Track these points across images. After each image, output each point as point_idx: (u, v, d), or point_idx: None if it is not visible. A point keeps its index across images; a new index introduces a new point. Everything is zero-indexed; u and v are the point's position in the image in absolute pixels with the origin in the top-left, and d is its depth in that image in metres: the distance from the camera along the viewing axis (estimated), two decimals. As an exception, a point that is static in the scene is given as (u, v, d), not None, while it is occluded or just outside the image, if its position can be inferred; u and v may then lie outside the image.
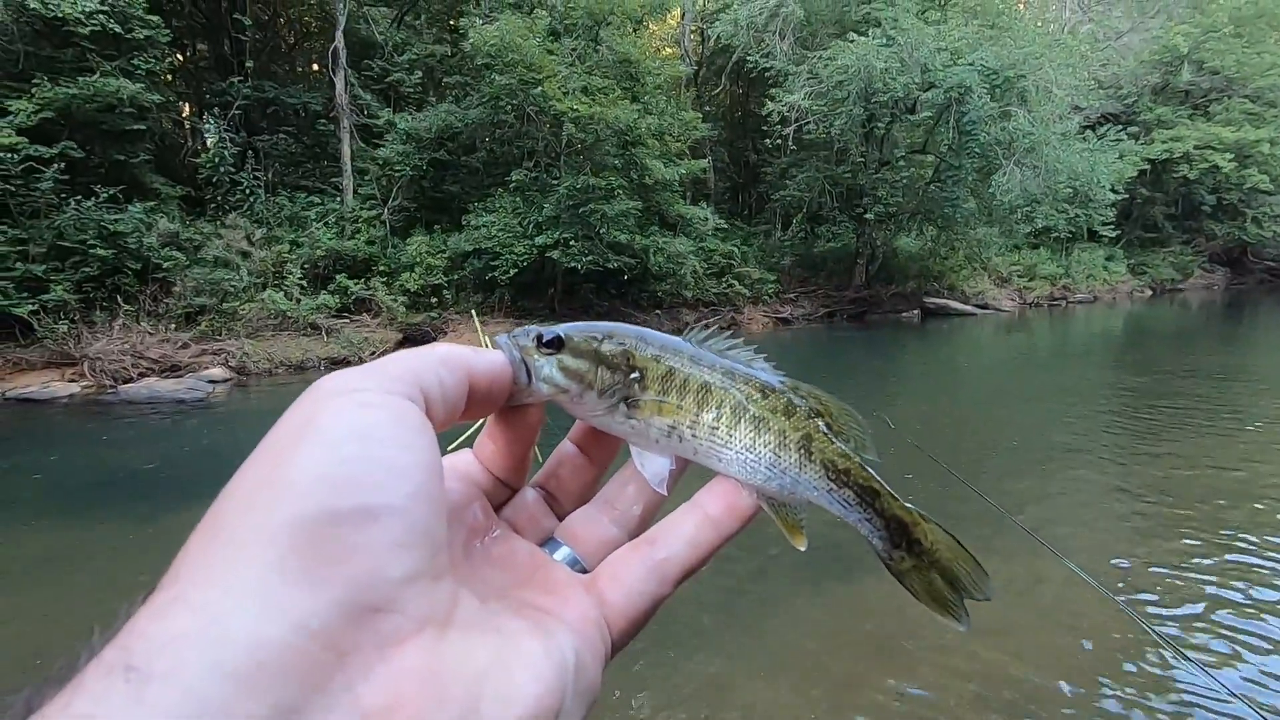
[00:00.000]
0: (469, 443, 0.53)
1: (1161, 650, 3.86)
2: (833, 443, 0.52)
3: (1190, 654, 3.73)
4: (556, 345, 0.51)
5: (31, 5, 12.01)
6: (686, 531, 0.50)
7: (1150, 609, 4.34)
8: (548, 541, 0.51)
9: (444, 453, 0.47)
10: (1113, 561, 5.00)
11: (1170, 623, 4.20)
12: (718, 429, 0.51)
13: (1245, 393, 10.57)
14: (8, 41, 12.62)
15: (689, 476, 0.54)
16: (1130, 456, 7.51)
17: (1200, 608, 4.34)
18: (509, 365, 0.48)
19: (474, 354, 0.46)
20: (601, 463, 0.55)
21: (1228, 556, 5.00)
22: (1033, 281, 26.31)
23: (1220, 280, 32.80)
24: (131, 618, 0.29)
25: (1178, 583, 4.65)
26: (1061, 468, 7.19)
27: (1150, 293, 29.78)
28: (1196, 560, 4.96)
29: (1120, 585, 4.62)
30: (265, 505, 0.32)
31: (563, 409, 0.53)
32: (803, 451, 0.51)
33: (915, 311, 22.17)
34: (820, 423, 0.52)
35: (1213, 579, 4.67)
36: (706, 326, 0.55)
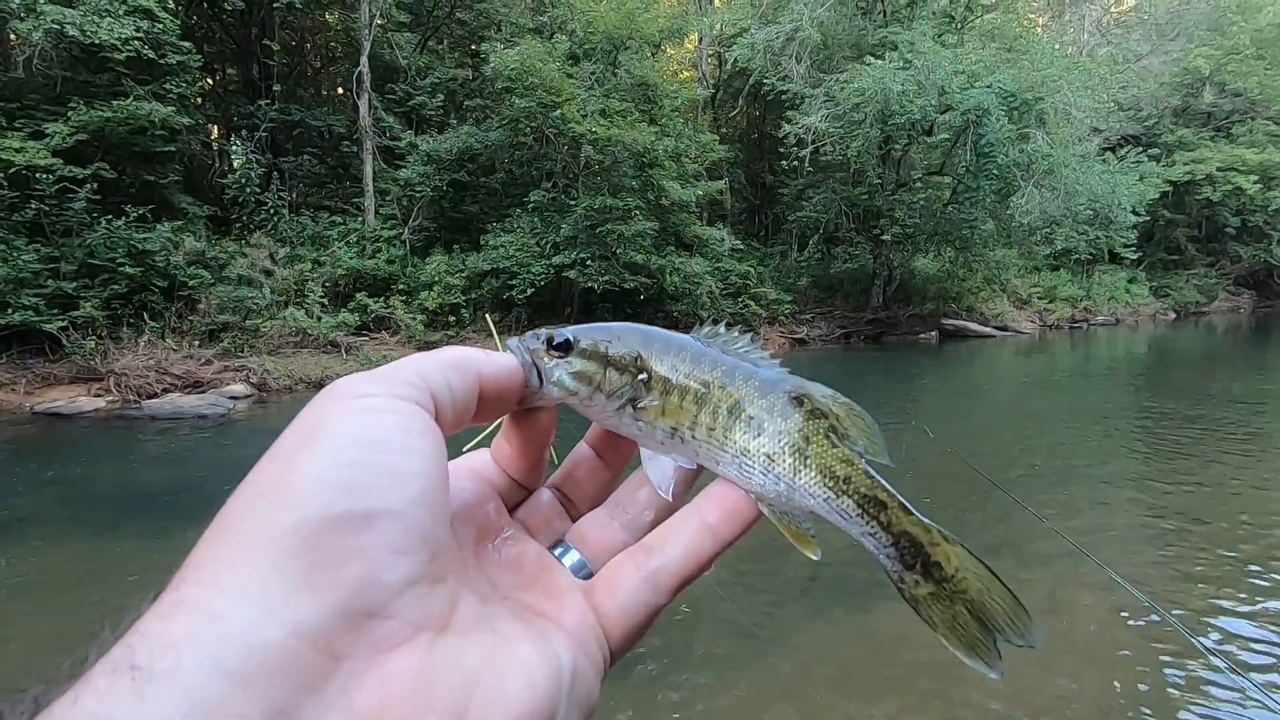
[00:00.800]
0: (486, 443, 0.54)
1: (1210, 663, 3.75)
2: (833, 446, 0.49)
3: (1233, 669, 3.63)
4: (565, 348, 0.51)
5: (70, 32, 12.43)
6: (683, 539, 0.48)
7: (1189, 625, 4.23)
8: (558, 544, 0.51)
9: (460, 453, 0.50)
10: (1147, 586, 4.88)
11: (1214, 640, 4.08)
12: (714, 430, 0.50)
13: (1276, 417, 10.34)
14: (46, 67, 13.05)
15: (704, 481, 0.54)
16: (1157, 481, 7.36)
17: (1239, 625, 4.23)
18: (519, 368, 0.49)
19: (485, 357, 0.46)
20: (617, 466, 0.55)
21: (1259, 581, 4.86)
22: (1053, 303, 26.03)
23: (1246, 303, 32.24)
24: (140, 617, 0.30)
25: (1216, 603, 4.53)
26: (1087, 493, 7.06)
27: (1174, 315, 29.33)
28: (1230, 583, 4.83)
29: (1158, 608, 4.51)
30: (268, 509, 0.33)
31: (575, 410, 0.53)
32: (798, 455, 0.49)
33: (933, 333, 21.99)
34: (821, 424, 0.50)
35: (1245, 601, 4.54)
36: (715, 322, 0.54)
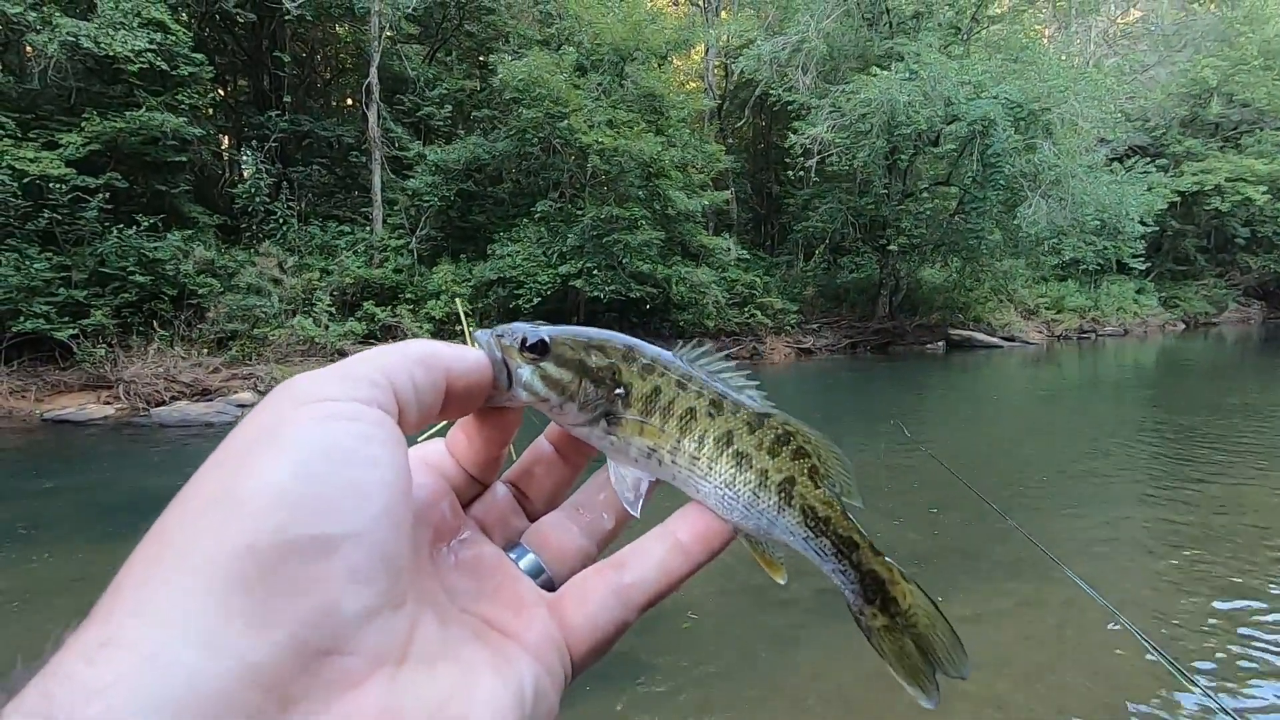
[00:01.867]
0: (442, 433, 0.51)
1: (1194, 693, 3.71)
2: (816, 487, 0.49)
3: (1225, 698, 3.58)
4: (540, 350, 0.48)
5: (85, 44, 12.60)
6: (656, 557, 0.47)
7: (1190, 657, 4.18)
8: (514, 546, 0.48)
9: (414, 442, 0.47)
10: (1148, 604, 4.83)
11: (1208, 675, 4.03)
12: (699, 459, 0.49)
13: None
14: (61, 79, 13.24)
15: (666, 496, 0.53)
16: (1164, 497, 7.29)
17: (1238, 650, 4.17)
18: (489, 367, 0.46)
19: (453, 354, 0.43)
20: (577, 465, 0.52)
21: (1264, 602, 4.80)
22: (1060, 314, 25.92)
23: (1256, 314, 32.03)
24: (61, 650, 0.27)
25: (1217, 628, 4.48)
26: (1093, 507, 7.00)
27: (1183, 326, 29.16)
28: (1234, 603, 4.77)
29: (1159, 631, 4.46)
30: (215, 527, 0.29)
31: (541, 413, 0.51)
32: (783, 495, 0.49)
33: (940, 343, 21.92)
34: (805, 464, 0.49)
35: (1252, 625, 4.49)
36: (699, 344, 0.52)
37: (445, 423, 0.47)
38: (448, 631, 0.38)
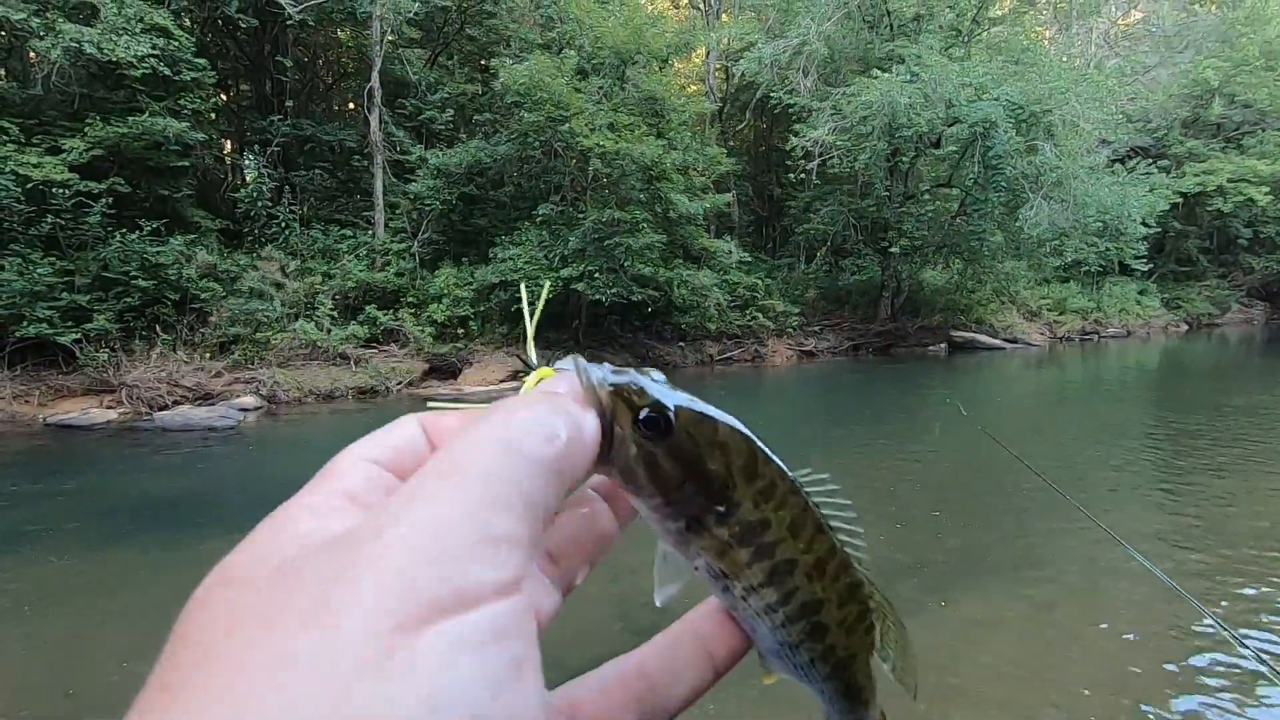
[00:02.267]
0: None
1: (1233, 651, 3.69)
2: (867, 666, 0.45)
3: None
4: (660, 433, 0.36)
5: (88, 50, 12.65)
6: (688, 677, 0.40)
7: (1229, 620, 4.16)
8: None
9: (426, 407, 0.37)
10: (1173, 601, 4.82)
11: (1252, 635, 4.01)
12: (774, 613, 0.41)
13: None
14: (64, 84, 13.28)
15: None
16: (1175, 498, 7.27)
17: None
18: (596, 437, 0.34)
19: (579, 434, 0.32)
20: (624, 519, 0.41)
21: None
22: (1063, 315, 25.89)
23: (1259, 315, 31.97)
24: None
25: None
26: (1101, 509, 6.98)
27: (1186, 327, 29.11)
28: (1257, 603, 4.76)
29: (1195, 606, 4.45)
30: None
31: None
32: (837, 666, 0.44)
33: (942, 345, 21.90)
34: (870, 638, 0.45)
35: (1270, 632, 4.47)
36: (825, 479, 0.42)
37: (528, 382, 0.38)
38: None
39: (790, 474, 0.40)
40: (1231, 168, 26.84)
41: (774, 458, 0.39)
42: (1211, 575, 5.24)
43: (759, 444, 0.39)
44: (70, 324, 12.48)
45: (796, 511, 0.40)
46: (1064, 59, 22.20)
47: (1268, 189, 26.43)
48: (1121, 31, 33.88)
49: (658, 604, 0.42)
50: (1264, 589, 4.97)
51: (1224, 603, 4.80)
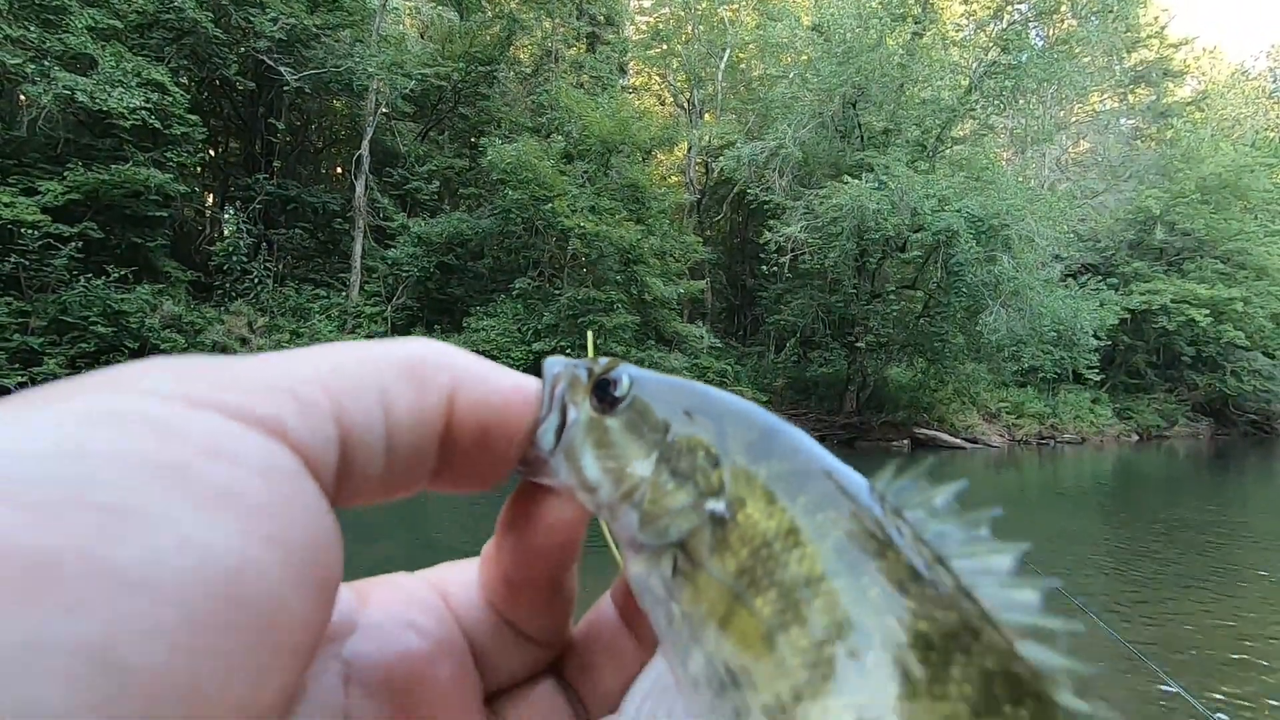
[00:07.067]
0: None
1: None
2: None
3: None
4: (614, 395, 0.28)
5: (80, 99, 12.77)
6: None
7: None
8: None
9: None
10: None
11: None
12: None
13: (1243, 549, 10.40)
14: (50, 128, 13.32)
15: None
16: (1125, 610, 7.27)
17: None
18: (533, 400, 0.27)
19: (473, 367, 0.26)
20: (653, 641, 0.28)
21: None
22: (1021, 419, 26.55)
23: (1205, 430, 33.16)
24: None
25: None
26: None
27: (1137, 438, 29.99)
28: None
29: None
30: None
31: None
32: None
33: (905, 441, 22.17)
34: None
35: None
36: (930, 478, 0.27)
37: None
38: None
39: (835, 462, 0.26)
40: (1174, 289, 28.47)
41: (801, 434, 0.27)
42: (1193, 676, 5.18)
43: (775, 418, 0.28)
44: (17, 366, 12.00)
45: (858, 507, 0.24)
46: (1020, 179, 23.73)
47: (1207, 311, 28.00)
48: (1072, 158, 36.53)
49: None
50: (1228, 707, 4.92)
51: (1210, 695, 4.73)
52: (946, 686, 0.21)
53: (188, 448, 0.18)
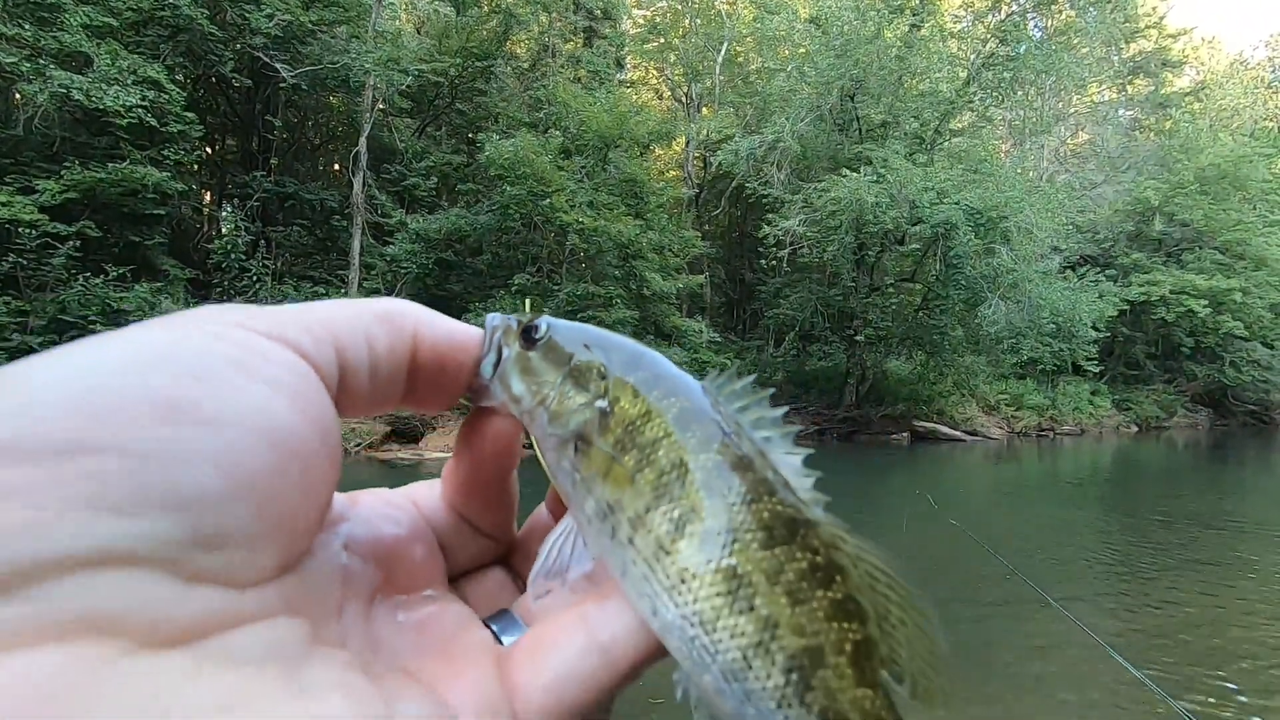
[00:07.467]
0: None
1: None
2: (860, 681, 0.29)
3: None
4: (532, 338, 0.38)
5: (76, 97, 12.74)
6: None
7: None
8: (501, 614, 0.36)
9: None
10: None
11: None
12: (667, 554, 0.31)
13: (1243, 541, 10.44)
14: (46, 127, 13.29)
15: None
16: (1120, 603, 7.30)
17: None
18: (476, 342, 0.37)
19: (429, 318, 0.35)
20: None
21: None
22: (1020, 411, 26.58)
23: (1204, 420, 33.20)
24: None
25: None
26: (1046, 614, 6.96)
27: (1136, 429, 30.04)
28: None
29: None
30: None
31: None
32: (796, 677, 0.29)
33: (905, 434, 22.20)
34: (854, 631, 0.29)
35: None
36: (740, 376, 0.37)
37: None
38: (323, 654, 0.27)
39: (688, 377, 0.37)
40: (1173, 280, 28.47)
41: (669, 363, 0.38)
42: (1167, 683, 5.21)
43: (649, 351, 0.38)
44: (17, 366, 12.00)
45: (692, 401, 0.35)
46: (1019, 171, 23.72)
47: (1205, 302, 28.00)
48: (1071, 150, 36.49)
49: (531, 601, 0.36)
50: (1219, 698, 4.95)
51: (1191, 695, 4.76)
52: (738, 490, 0.32)
53: (247, 352, 0.26)
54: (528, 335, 0.38)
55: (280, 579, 0.27)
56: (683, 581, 0.30)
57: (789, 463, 0.34)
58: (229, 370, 0.25)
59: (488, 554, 0.40)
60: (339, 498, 0.36)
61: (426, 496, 0.39)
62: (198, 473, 0.23)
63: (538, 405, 0.36)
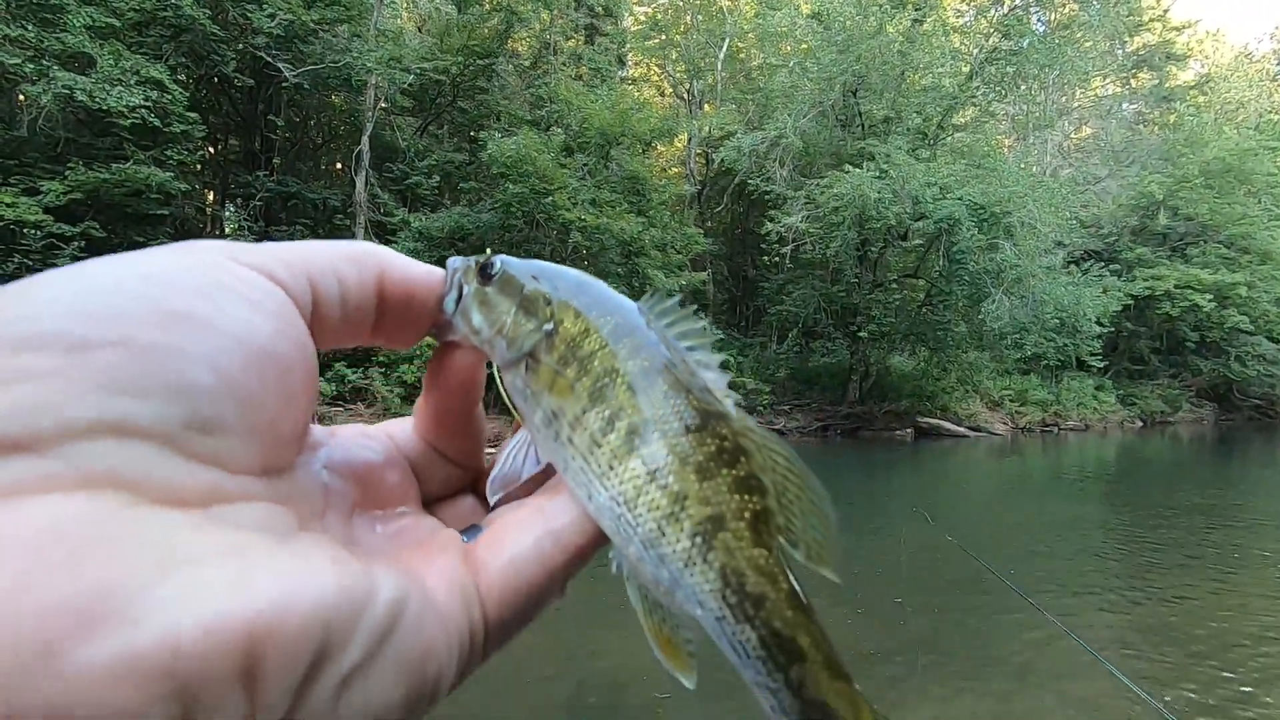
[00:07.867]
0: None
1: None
2: (756, 542, 0.34)
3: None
4: (488, 274, 0.42)
5: (79, 98, 12.77)
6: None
7: None
8: (470, 528, 0.39)
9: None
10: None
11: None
12: (599, 448, 0.36)
13: (1247, 534, 10.42)
14: (50, 128, 13.33)
15: None
16: (1133, 599, 7.30)
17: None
18: (438, 280, 0.40)
19: (394, 257, 0.39)
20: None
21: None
22: (1024, 406, 26.52)
23: (1209, 415, 33.10)
24: None
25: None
26: (1055, 608, 6.97)
27: (1141, 424, 29.96)
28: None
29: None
30: None
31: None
32: (700, 540, 0.34)
33: (908, 430, 22.18)
34: (751, 502, 0.35)
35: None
36: (670, 294, 0.42)
37: None
38: (309, 535, 0.31)
39: (626, 300, 0.42)
40: (1177, 275, 28.37)
41: (609, 290, 0.42)
42: (1169, 676, 5.21)
43: (596, 280, 0.43)
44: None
45: (623, 322, 0.39)
46: (1022, 166, 23.62)
47: (1210, 296, 27.90)
48: (1074, 144, 36.35)
49: (489, 499, 0.40)
50: (1220, 689, 4.95)
51: (1181, 701, 4.76)
52: (660, 390, 0.37)
53: (233, 277, 0.30)
54: (484, 272, 0.42)
55: (267, 479, 0.30)
56: (610, 469, 0.36)
57: (709, 365, 0.39)
58: (217, 290, 0.29)
59: (458, 481, 0.43)
60: (319, 429, 0.39)
61: (400, 430, 0.43)
62: (194, 368, 0.27)
63: (495, 334, 0.40)
